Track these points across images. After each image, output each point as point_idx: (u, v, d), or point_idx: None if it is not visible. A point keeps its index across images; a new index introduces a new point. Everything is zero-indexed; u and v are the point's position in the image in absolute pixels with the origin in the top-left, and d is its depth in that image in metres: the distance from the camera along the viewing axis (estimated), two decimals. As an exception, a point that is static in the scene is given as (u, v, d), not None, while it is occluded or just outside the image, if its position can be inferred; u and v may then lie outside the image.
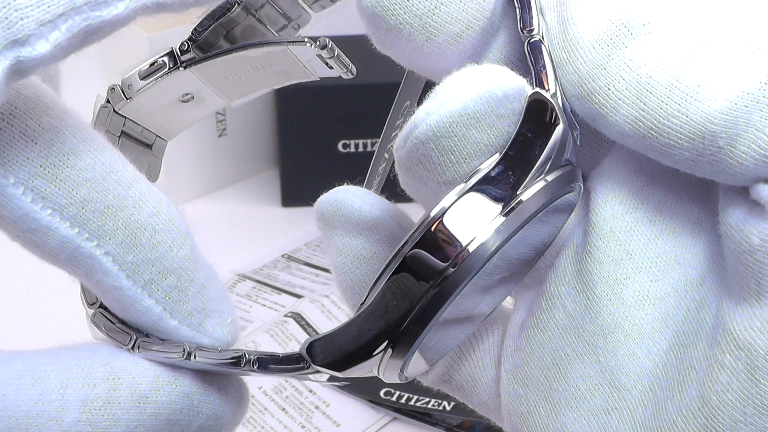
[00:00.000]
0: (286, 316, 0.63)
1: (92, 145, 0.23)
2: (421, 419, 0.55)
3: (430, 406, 0.55)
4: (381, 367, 0.22)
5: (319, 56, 0.27)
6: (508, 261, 0.24)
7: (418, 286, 0.21)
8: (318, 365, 0.23)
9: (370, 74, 0.77)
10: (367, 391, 0.56)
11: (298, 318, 0.62)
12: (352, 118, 0.73)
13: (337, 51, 0.26)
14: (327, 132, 0.73)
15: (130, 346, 0.24)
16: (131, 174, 0.24)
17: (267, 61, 0.28)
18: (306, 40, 0.26)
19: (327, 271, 0.69)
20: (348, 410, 0.56)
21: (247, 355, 0.24)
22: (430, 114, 0.21)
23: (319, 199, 0.25)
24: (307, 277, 0.68)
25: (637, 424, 0.23)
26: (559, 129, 0.21)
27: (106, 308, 0.25)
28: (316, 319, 0.62)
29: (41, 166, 0.22)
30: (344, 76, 0.28)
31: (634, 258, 0.23)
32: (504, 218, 0.21)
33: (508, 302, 0.26)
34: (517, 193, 0.21)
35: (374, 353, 0.22)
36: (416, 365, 0.24)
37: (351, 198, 0.25)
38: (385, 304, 0.21)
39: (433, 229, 0.21)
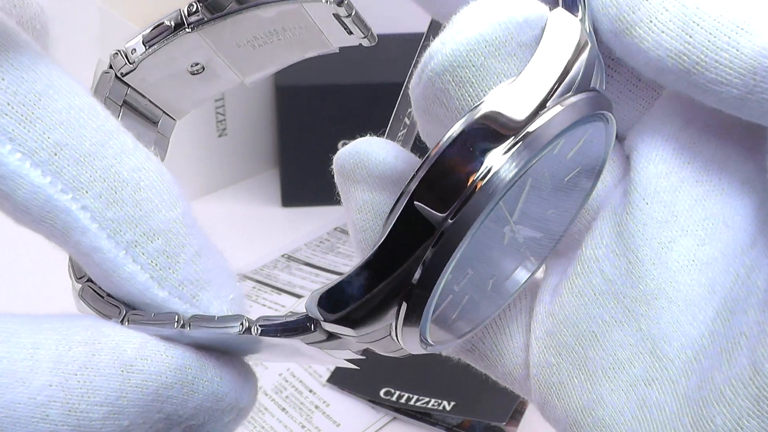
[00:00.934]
0: (286, 316, 0.63)
1: (68, 89, 0.21)
2: (421, 419, 0.55)
3: (430, 406, 0.55)
4: (398, 323, 0.20)
5: (336, 16, 0.24)
6: (538, 220, 0.22)
7: (431, 222, 0.19)
8: (330, 322, 0.21)
9: (371, 74, 0.77)
10: (367, 391, 0.56)
11: (298, 318, 0.63)
12: (352, 118, 0.73)
13: (354, 9, 0.24)
14: (327, 132, 0.73)
15: (120, 320, 0.22)
16: (112, 125, 0.21)
17: (281, 23, 0.26)
18: None
19: (327, 270, 0.69)
20: (348, 410, 0.56)
21: (246, 322, 0.22)
22: (445, 43, 0.20)
23: (339, 151, 0.23)
24: (307, 277, 0.68)
25: (680, 395, 0.22)
26: (585, 47, 0.20)
27: (95, 283, 0.22)
28: (316, 319, 0.62)
29: (9, 104, 0.20)
30: (364, 44, 0.25)
31: (680, 220, 0.22)
32: (520, 144, 0.19)
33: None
34: (536, 116, 0.19)
35: (392, 299, 0.20)
36: (440, 333, 0.22)
37: (375, 149, 0.23)
38: (395, 248, 0.19)
39: (438, 162, 0.19)
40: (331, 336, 0.22)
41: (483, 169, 0.19)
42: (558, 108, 0.19)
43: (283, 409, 0.56)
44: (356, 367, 0.25)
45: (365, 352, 0.23)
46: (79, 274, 0.23)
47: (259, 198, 0.77)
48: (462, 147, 0.19)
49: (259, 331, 0.22)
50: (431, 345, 0.22)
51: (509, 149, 0.19)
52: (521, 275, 0.23)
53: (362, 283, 0.20)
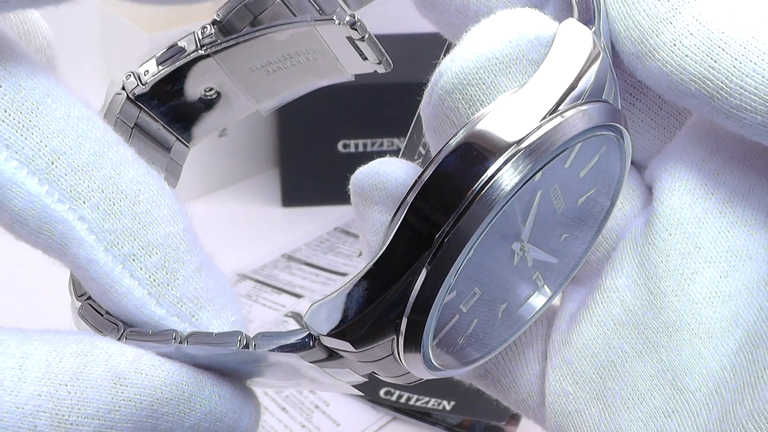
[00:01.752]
0: (286, 316, 0.63)
1: (66, 99, 0.20)
2: (421, 419, 0.55)
3: (430, 405, 0.55)
4: (399, 339, 0.20)
5: (350, 39, 0.24)
6: (552, 243, 0.22)
7: (429, 234, 0.18)
8: (329, 336, 0.20)
9: (371, 74, 0.77)
10: (367, 390, 0.56)
11: (299, 318, 0.62)
12: (352, 118, 0.73)
13: (368, 33, 0.24)
14: (327, 132, 0.73)
15: (117, 337, 0.21)
16: (111, 136, 0.21)
17: (294, 47, 0.26)
18: (334, 17, 0.24)
19: (327, 270, 0.69)
20: (348, 410, 0.56)
21: (244, 338, 0.21)
22: (454, 60, 0.19)
23: (357, 171, 0.23)
24: (307, 277, 0.68)
25: (701, 428, 0.22)
26: (597, 58, 0.19)
27: (94, 301, 0.22)
28: (316, 319, 0.62)
29: (6, 111, 0.19)
30: (379, 70, 0.25)
31: (703, 252, 0.22)
32: (521, 153, 0.18)
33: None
34: (541, 124, 0.18)
35: (391, 312, 0.19)
36: (448, 357, 0.22)
37: (395, 170, 0.22)
38: (394, 259, 0.19)
39: (437, 172, 0.18)
40: (332, 354, 0.21)
41: (482, 179, 0.18)
42: (564, 116, 0.19)
43: (284, 409, 0.56)
44: (361, 394, 0.24)
45: (371, 377, 0.22)
46: (79, 291, 0.22)
47: (259, 198, 0.77)
48: (461, 157, 0.18)
49: (257, 347, 0.21)
50: (438, 369, 0.21)
51: (510, 158, 0.18)
52: (535, 303, 0.23)
53: (361, 295, 0.20)
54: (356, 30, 0.23)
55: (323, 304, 0.20)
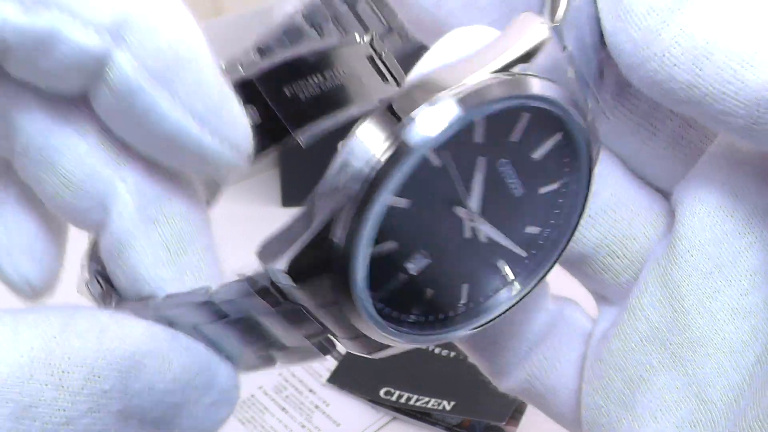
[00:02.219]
0: (286, 315, 0.63)
1: None
2: (421, 419, 0.55)
3: (430, 406, 0.55)
4: (335, 282, 0.20)
5: (370, 59, 0.26)
6: (512, 229, 0.22)
7: (358, 173, 0.20)
8: (277, 271, 0.21)
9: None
10: (367, 390, 0.56)
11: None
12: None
13: (385, 51, 0.25)
14: (327, 132, 0.73)
15: (111, 306, 0.23)
16: None
17: (321, 69, 0.27)
18: (355, 34, 0.25)
19: (327, 271, 0.69)
20: (348, 410, 0.56)
21: (209, 288, 0.23)
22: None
23: None
24: (307, 277, 0.68)
25: None
26: (545, 42, 0.20)
27: (102, 275, 0.24)
28: (316, 319, 0.62)
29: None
30: None
31: (724, 271, 0.23)
32: (446, 101, 0.19)
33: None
34: (469, 79, 0.20)
35: (321, 249, 0.20)
36: (403, 323, 0.22)
37: None
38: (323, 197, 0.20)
39: (372, 118, 0.19)
40: (284, 296, 0.22)
41: (405, 122, 0.19)
42: (498, 77, 0.20)
43: (284, 409, 0.56)
44: (335, 359, 0.25)
45: (329, 342, 0.23)
46: (92, 266, 0.24)
47: (259, 198, 0.77)
48: (396, 108, 0.19)
49: (219, 291, 0.22)
50: (391, 332, 0.22)
51: (434, 107, 0.19)
52: (502, 297, 0.23)
53: (299, 229, 0.21)
54: (374, 48, 0.25)
55: (271, 237, 0.22)
